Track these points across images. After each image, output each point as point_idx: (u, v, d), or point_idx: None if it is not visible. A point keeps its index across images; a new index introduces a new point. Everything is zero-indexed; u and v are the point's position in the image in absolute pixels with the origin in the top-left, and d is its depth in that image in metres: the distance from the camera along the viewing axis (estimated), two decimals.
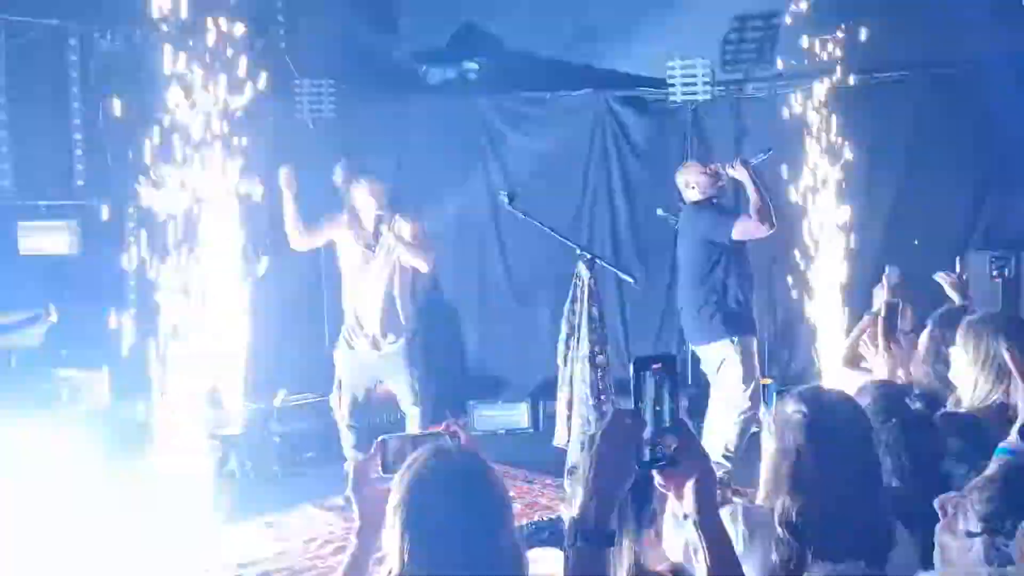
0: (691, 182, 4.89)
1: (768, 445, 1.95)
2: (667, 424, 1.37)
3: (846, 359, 3.41)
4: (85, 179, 6.08)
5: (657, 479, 1.40)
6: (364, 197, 4.79)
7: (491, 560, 1.50)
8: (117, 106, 4.70)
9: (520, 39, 6.67)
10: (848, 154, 4.94)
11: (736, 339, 4.72)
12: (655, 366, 1.36)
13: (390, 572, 1.52)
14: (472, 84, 6.82)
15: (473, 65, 6.79)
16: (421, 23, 6.66)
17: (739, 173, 4.72)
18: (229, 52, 4.21)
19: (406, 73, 6.78)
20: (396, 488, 1.56)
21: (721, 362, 4.75)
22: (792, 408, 1.90)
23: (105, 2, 5.63)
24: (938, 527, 1.53)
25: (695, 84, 6.66)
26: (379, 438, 1.79)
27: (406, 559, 1.50)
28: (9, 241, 5.61)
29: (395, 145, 6.63)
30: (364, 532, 1.75)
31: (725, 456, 4.86)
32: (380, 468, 1.75)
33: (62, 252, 5.79)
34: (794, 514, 1.79)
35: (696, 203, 4.91)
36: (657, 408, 1.36)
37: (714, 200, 4.90)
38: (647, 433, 1.35)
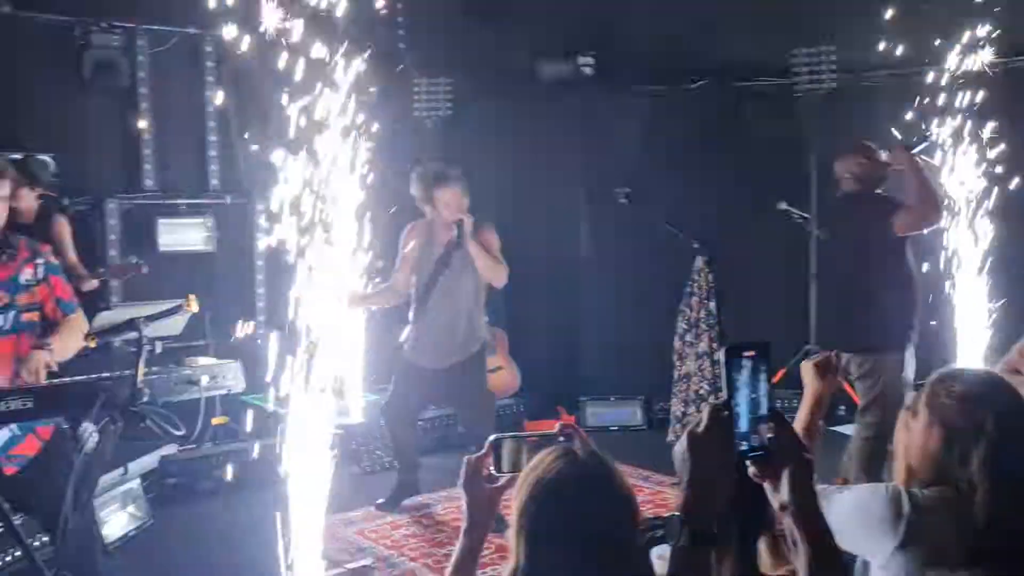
0: (849, 171, 4.44)
1: (923, 430, 1.84)
2: (761, 413, 1.35)
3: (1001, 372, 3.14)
4: (219, 178, 6.44)
5: (751, 469, 1.38)
6: (449, 199, 4.47)
7: (619, 563, 1.47)
8: (247, 108, 4.90)
9: (637, 31, 6.60)
10: (995, 146, 4.55)
11: (891, 348, 4.26)
12: (748, 354, 1.35)
13: (513, 570, 1.51)
14: (586, 79, 6.81)
15: (588, 59, 6.76)
16: (536, 18, 6.69)
17: (899, 160, 4.27)
18: (349, 54, 4.35)
19: (521, 70, 6.83)
20: (520, 489, 1.54)
21: (869, 370, 4.32)
22: (959, 389, 1.82)
23: (238, 8, 5.90)
24: None
25: (821, 72, 6.44)
26: (491, 437, 1.80)
27: (531, 561, 1.49)
28: (151, 237, 6.00)
29: (510, 142, 6.69)
30: (472, 530, 1.77)
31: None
32: (492, 468, 1.76)
33: (198, 248, 6.15)
34: (998, 504, 1.72)
35: (853, 194, 4.46)
36: (752, 396, 1.34)
37: (877, 191, 4.43)
38: (742, 424, 1.34)
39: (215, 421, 5.57)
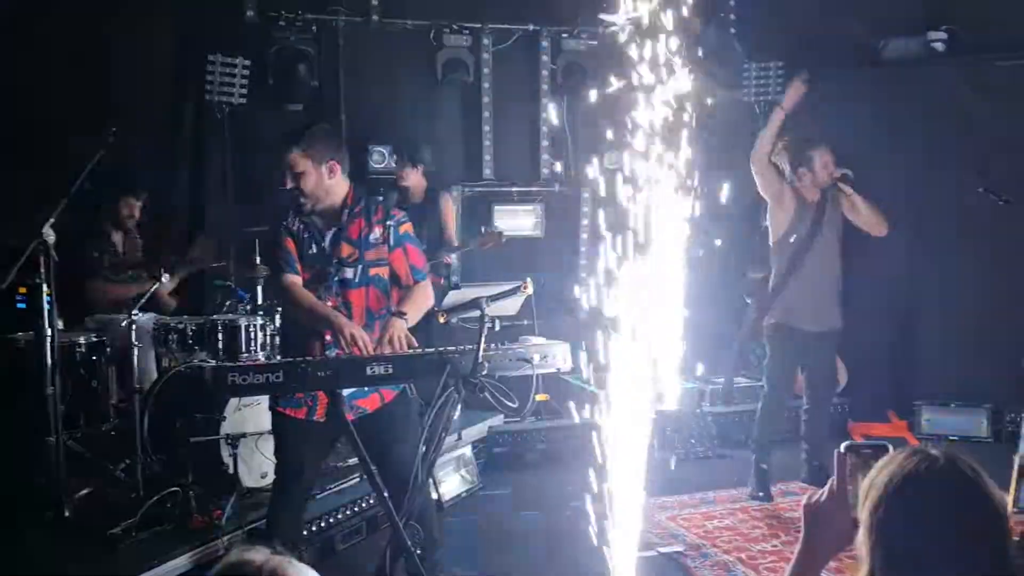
0: None
1: None
2: None
3: None
4: (549, 168, 6.78)
5: None
6: (828, 159, 4.75)
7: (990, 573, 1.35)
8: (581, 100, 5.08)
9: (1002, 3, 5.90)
10: None
11: None
12: None
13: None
14: (938, 56, 6.21)
15: (940, 35, 6.16)
16: None
17: None
18: (681, 42, 4.36)
19: (861, 48, 6.39)
20: (871, 490, 1.44)
21: None
22: None
23: (573, 5, 6.15)
24: None
25: None
26: (841, 447, 1.62)
27: (884, 566, 1.40)
28: (487, 222, 6.48)
29: (846, 127, 6.30)
30: (809, 552, 1.62)
31: None
32: (837, 481, 1.59)
33: (528, 233, 6.55)
34: None
35: None
36: None
37: None
38: None
39: (538, 398, 5.91)
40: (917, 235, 6.30)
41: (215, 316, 4.69)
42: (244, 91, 5.88)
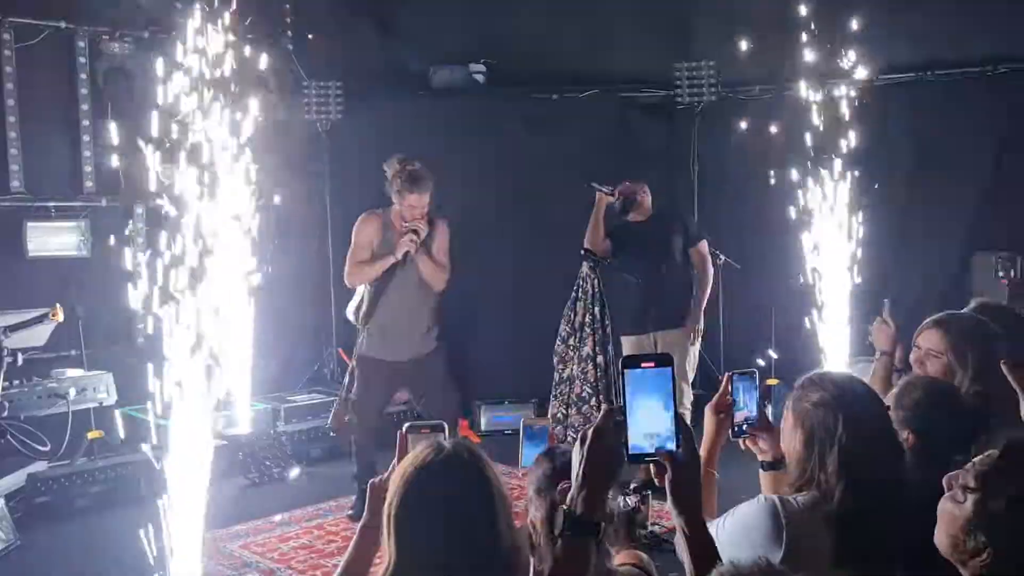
0: None
1: (789, 433, 1.91)
2: (661, 420, 1.40)
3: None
4: (94, 181, 6.13)
5: (652, 470, 1.43)
6: (415, 204, 4.41)
7: (487, 552, 1.48)
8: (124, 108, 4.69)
9: (528, 41, 6.69)
10: (856, 156, 4.86)
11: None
12: (646, 364, 1.40)
13: (386, 567, 1.51)
14: (479, 86, 6.85)
15: (480, 67, 6.80)
16: (429, 27, 6.69)
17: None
18: (236, 56, 4.23)
19: (414, 75, 6.80)
20: (392, 482, 1.56)
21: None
22: (817, 394, 1.87)
23: (113, 4, 5.67)
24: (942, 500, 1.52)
25: (701, 85, 6.68)
26: (404, 427, 1.79)
27: (401, 554, 1.49)
28: (19, 242, 5.66)
29: (402, 147, 6.63)
30: (370, 527, 1.75)
31: None
32: (397, 460, 1.73)
33: (70, 253, 5.84)
34: (853, 506, 1.77)
35: None
36: (651, 404, 1.39)
37: None
38: (638, 428, 1.38)
39: (90, 435, 5.30)
40: (471, 252, 6.86)
41: None
42: None
